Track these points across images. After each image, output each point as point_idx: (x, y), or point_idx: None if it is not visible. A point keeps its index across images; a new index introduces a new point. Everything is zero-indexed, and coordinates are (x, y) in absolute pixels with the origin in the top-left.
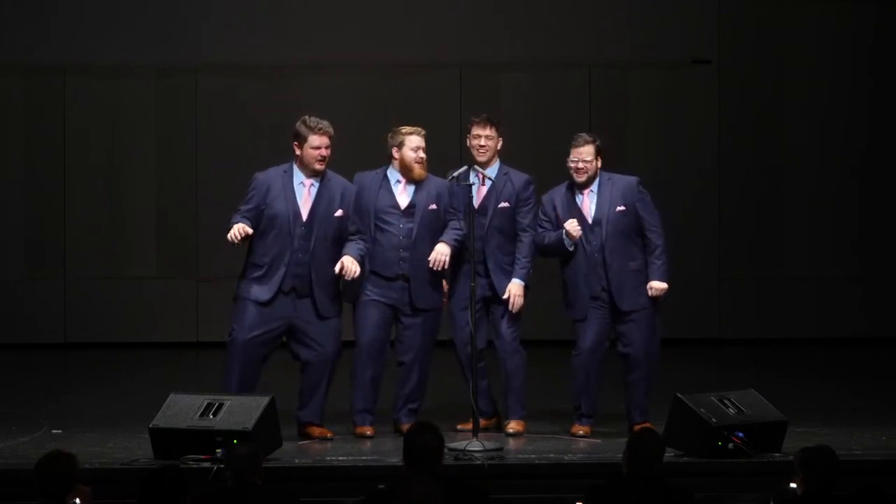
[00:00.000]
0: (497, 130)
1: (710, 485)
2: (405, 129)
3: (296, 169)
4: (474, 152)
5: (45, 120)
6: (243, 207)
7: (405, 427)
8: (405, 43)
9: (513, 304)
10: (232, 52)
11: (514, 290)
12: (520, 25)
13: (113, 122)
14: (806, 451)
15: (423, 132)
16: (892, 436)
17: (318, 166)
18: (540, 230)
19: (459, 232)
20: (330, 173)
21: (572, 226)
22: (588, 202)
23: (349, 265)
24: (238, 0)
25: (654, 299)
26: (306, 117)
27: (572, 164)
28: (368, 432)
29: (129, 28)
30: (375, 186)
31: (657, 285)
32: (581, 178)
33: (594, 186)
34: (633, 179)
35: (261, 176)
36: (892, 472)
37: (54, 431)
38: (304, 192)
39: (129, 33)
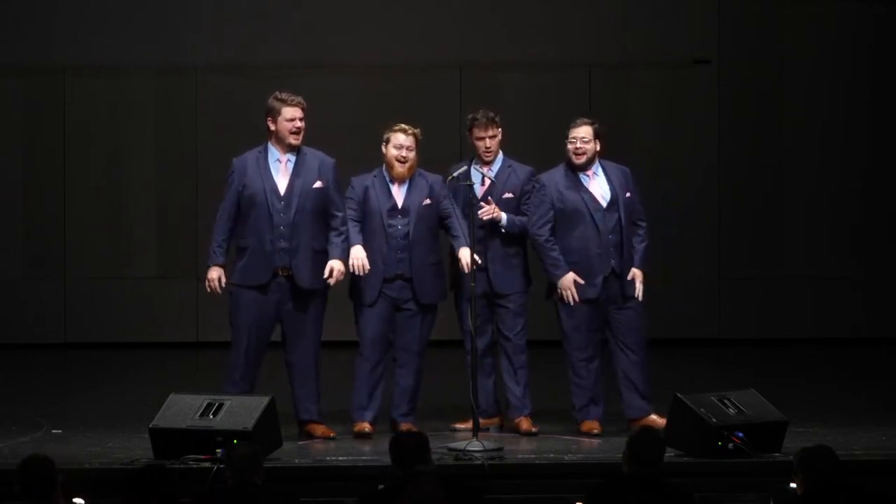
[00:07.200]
0: (498, 128)
1: (710, 485)
2: (395, 126)
3: (271, 147)
4: (479, 153)
5: (45, 120)
6: (224, 201)
7: (403, 427)
8: (405, 43)
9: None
10: (232, 52)
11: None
12: (520, 25)
13: (113, 122)
14: (806, 451)
15: (413, 130)
16: (892, 436)
17: (293, 140)
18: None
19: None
20: (306, 148)
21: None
22: (595, 184)
23: (338, 267)
24: (238, 0)
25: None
26: (277, 92)
27: (570, 146)
28: (367, 429)
29: (129, 28)
30: (376, 188)
31: (639, 274)
32: (580, 160)
33: (596, 169)
34: (626, 169)
35: (237, 160)
36: (892, 472)
37: (54, 431)
38: (281, 168)
39: (129, 33)
